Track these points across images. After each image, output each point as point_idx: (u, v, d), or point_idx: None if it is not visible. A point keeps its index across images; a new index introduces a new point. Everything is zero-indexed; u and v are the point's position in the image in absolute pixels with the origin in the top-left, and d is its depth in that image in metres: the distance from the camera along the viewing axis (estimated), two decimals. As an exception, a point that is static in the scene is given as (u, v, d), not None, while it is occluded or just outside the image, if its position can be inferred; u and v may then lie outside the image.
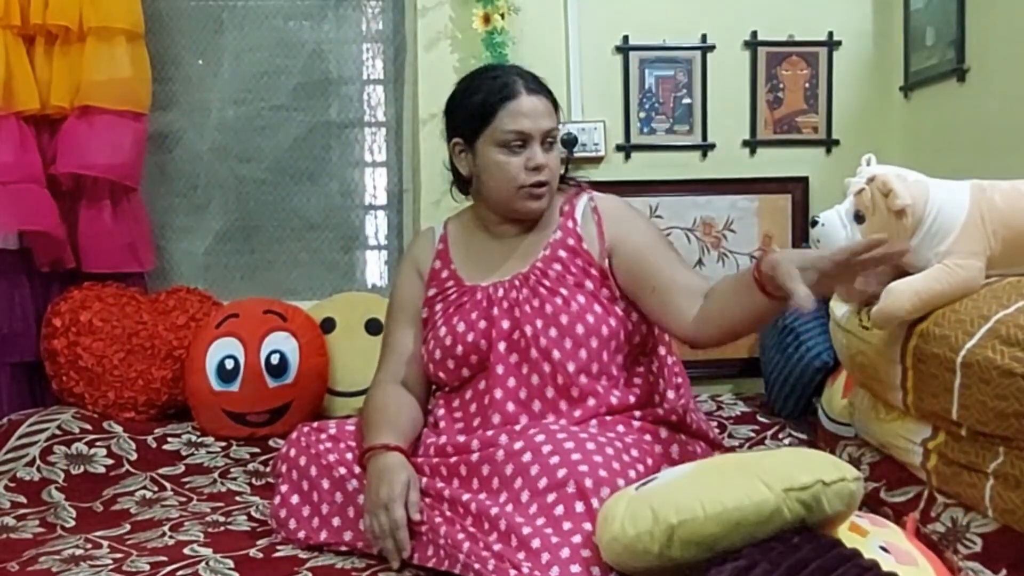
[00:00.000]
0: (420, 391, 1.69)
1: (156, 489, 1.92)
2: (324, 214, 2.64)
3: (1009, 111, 1.94)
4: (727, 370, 2.48)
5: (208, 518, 1.72)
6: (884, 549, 1.14)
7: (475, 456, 1.46)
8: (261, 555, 1.52)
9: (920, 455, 1.38)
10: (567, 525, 1.29)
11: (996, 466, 1.24)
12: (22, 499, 1.85)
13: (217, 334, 2.20)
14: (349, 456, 1.58)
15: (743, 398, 2.34)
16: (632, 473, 1.38)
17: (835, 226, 1.39)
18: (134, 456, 2.05)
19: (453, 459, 1.49)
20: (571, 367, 1.53)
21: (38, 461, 1.97)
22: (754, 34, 2.48)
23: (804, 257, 1.27)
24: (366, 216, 2.69)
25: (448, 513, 1.43)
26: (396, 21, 2.59)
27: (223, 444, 2.13)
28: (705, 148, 2.50)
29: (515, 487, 1.39)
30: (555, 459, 1.37)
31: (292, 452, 1.62)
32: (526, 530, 1.29)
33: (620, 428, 1.52)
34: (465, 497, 1.42)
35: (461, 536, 1.37)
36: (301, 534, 1.57)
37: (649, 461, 1.45)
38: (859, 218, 1.37)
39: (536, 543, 1.27)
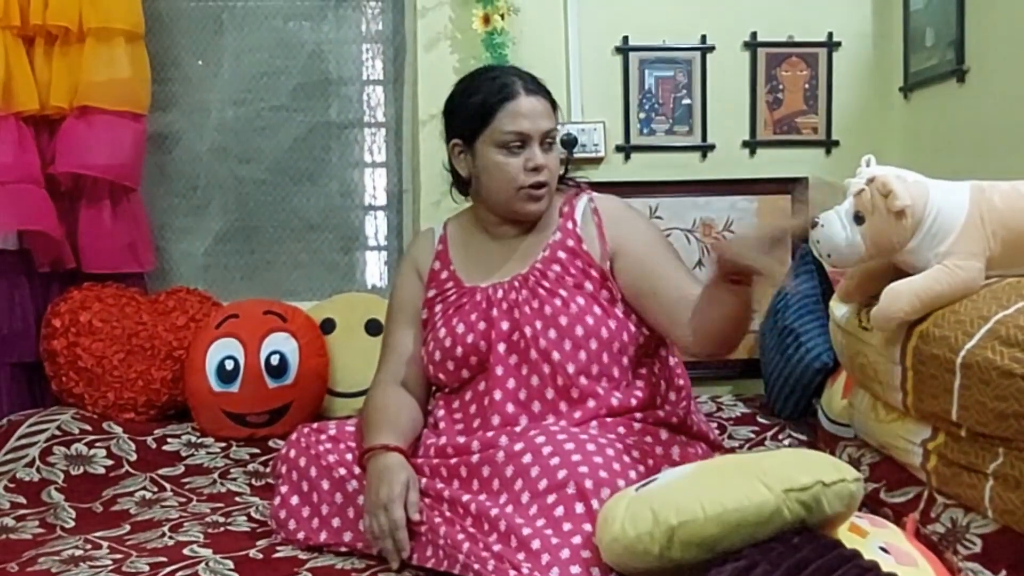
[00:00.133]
0: (420, 392, 1.69)
1: (156, 490, 1.92)
2: (324, 215, 2.64)
3: (1009, 112, 1.94)
4: (727, 371, 2.48)
5: (208, 519, 1.72)
6: (884, 550, 1.14)
7: (475, 457, 1.46)
8: (261, 556, 1.52)
9: (920, 456, 1.38)
10: (567, 526, 1.29)
11: (996, 467, 1.24)
12: (22, 500, 1.85)
13: (217, 335, 2.20)
14: (349, 457, 1.58)
15: (743, 399, 2.33)
16: (633, 474, 1.38)
17: (835, 227, 1.39)
18: (134, 457, 2.05)
19: (453, 460, 1.49)
20: (571, 368, 1.53)
21: (38, 462, 1.96)
22: (754, 35, 2.48)
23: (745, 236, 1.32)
24: (366, 217, 2.69)
25: (448, 514, 1.43)
26: (396, 22, 2.59)
27: (223, 445, 2.13)
28: (705, 149, 2.50)
29: (515, 488, 1.39)
30: (555, 460, 1.37)
31: (292, 453, 1.62)
32: (526, 531, 1.29)
33: (621, 429, 1.52)
34: (465, 498, 1.42)
35: (461, 537, 1.37)
36: (301, 535, 1.57)
37: (650, 462, 1.45)
38: (859, 219, 1.37)
39: (536, 544, 1.27)
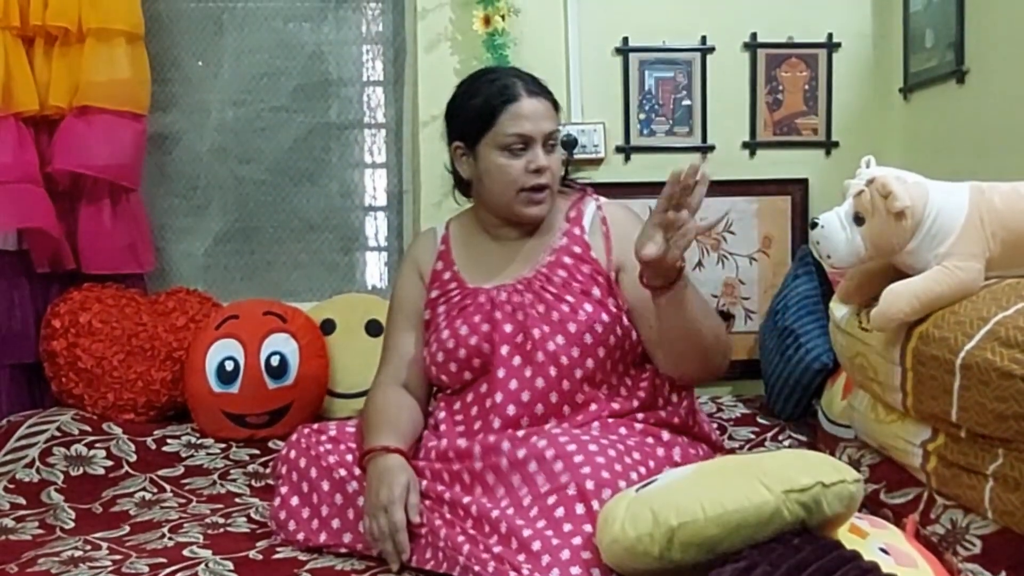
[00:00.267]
0: (421, 393, 1.69)
1: (155, 491, 1.92)
2: (324, 215, 2.64)
3: (1008, 113, 1.95)
4: (727, 372, 2.47)
5: (208, 520, 1.71)
6: (884, 551, 1.14)
7: (478, 464, 1.46)
8: (260, 557, 1.52)
9: (920, 457, 1.38)
10: (568, 527, 1.29)
11: (995, 468, 1.24)
12: (21, 500, 1.85)
13: (217, 335, 2.20)
14: (349, 458, 1.58)
15: (743, 400, 2.34)
16: (634, 475, 1.38)
17: (835, 228, 1.39)
18: (133, 457, 2.05)
19: (456, 466, 1.49)
20: (578, 374, 1.53)
21: (37, 462, 1.97)
22: (754, 36, 2.48)
23: (645, 227, 1.37)
24: (366, 217, 2.69)
25: (448, 516, 1.43)
26: (396, 23, 2.59)
27: (223, 446, 2.13)
28: (705, 150, 2.50)
29: (516, 490, 1.39)
30: (559, 465, 1.37)
31: (292, 454, 1.62)
32: (526, 532, 1.29)
33: (622, 431, 1.52)
34: (466, 500, 1.42)
35: (461, 539, 1.37)
36: (300, 536, 1.57)
37: (651, 463, 1.45)
38: (859, 220, 1.37)
39: (536, 545, 1.27)
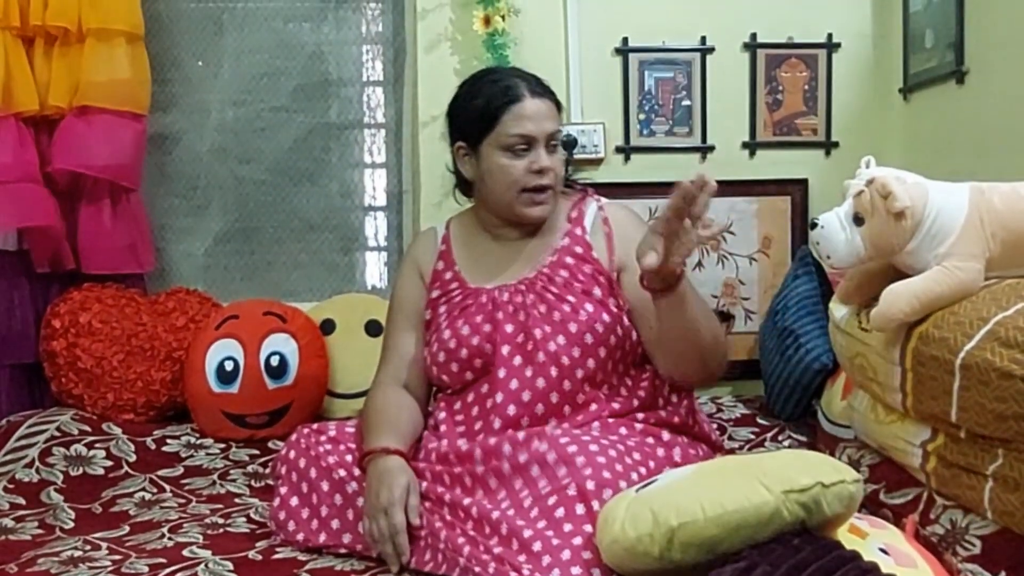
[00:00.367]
0: (420, 393, 1.69)
1: (155, 491, 1.92)
2: (324, 215, 2.64)
3: (1008, 113, 1.95)
4: (727, 372, 2.46)
5: (207, 520, 1.71)
6: (883, 551, 1.14)
7: (480, 468, 1.45)
8: (260, 557, 1.52)
9: (919, 457, 1.38)
10: (568, 527, 1.29)
11: (995, 468, 1.24)
12: (21, 500, 1.85)
13: (216, 335, 2.20)
14: (349, 458, 1.58)
15: (743, 400, 2.34)
16: (634, 476, 1.38)
17: (834, 228, 1.39)
18: (133, 458, 2.05)
19: (457, 469, 1.49)
20: (579, 374, 1.53)
21: (37, 462, 1.96)
22: (753, 36, 2.48)
23: (647, 235, 1.37)
24: (366, 217, 2.69)
25: (448, 517, 1.43)
26: (396, 23, 2.59)
27: (222, 446, 2.13)
28: (704, 150, 2.50)
29: (517, 492, 1.39)
30: (560, 466, 1.38)
31: (291, 454, 1.62)
32: (527, 533, 1.29)
33: (623, 431, 1.52)
34: (466, 501, 1.42)
35: (461, 540, 1.36)
36: (300, 536, 1.57)
37: (651, 464, 1.45)
38: (858, 220, 1.37)
39: (537, 546, 1.27)
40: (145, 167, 2.43)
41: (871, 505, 1.42)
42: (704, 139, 2.49)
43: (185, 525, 1.68)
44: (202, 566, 1.45)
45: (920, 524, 1.33)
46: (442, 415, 1.62)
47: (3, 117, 2.18)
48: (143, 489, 1.92)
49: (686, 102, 2.49)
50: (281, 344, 2.19)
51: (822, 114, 2.50)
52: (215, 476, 2.00)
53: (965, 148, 2.11)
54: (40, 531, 1.72)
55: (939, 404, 1.30)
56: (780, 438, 2.09)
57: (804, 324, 2.12)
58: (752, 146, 2.51)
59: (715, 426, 2.02)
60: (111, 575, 1.43)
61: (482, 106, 1.60)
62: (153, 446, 2.10)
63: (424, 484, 1.49)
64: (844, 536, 1.15)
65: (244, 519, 1.72)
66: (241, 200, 2.61)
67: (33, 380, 2.31)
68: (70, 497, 1.87)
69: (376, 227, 2.69)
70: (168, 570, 1.44)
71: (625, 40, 2.46)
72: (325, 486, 1.57)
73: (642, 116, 2.48)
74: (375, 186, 2.67)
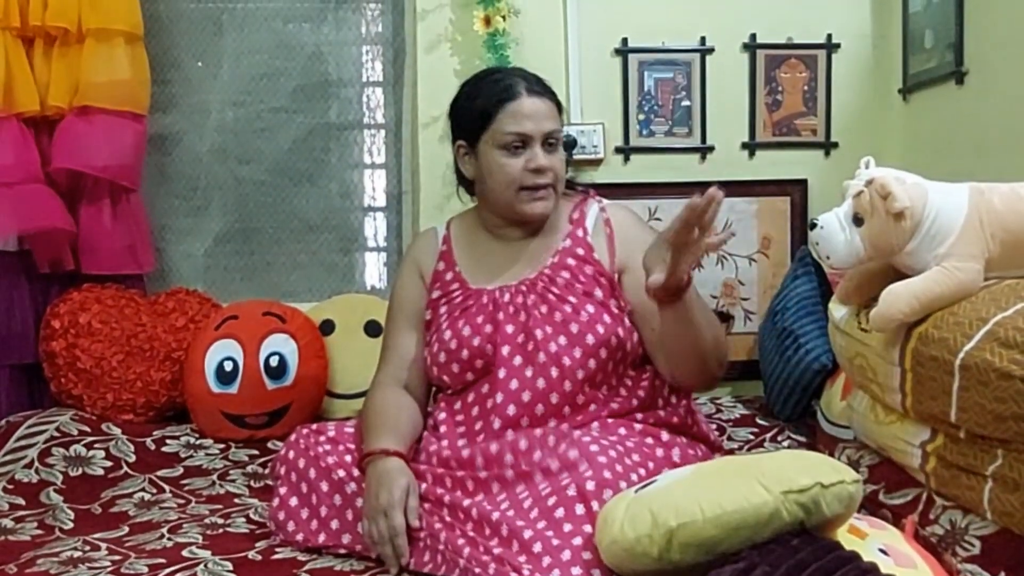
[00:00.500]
0: (420, 394, 1.68)
1: (155, 491, 1.92)
2: (323, 216, 2.64)
3: (1008, 113, 1.95)
4: (726, 372, 2.46)
5: (207, 520, 1.71)
6: (883, 551, 1.14)
7: (483, 474, 1.46)
8: (260, 557, 1.52)
9: (919, 457, 1.38)
10: (568, 527, 1.29)
11: (995, 469, 1.24)
12: (20, 501, 1.85)
13: (216, 336, 2.20)
14: (348, 459, 1.58)
15: (742, 400, 2.34)
16: (634, 477, 1.38)
17: (834, 229, 1.39)
18: (133, 458, 2.05)
19: (460, 473, 1.49)
20: (580, 375, 1.53)
21: (36, 463, 1.96)
22: (753, 36, 2.48)
23: (654, 245, 1.36)
24: (365, 218, 2.69)
25: (448, 518, 1.43)
26: (395, 24, 2.59)
27: (222, 446, 2.13)
28: (704, 150, 2.50)
29: (517, 492, 1.40)
30: (562, 471, 1.38)
31: (291, 454, 1.62)
32: (527, 533, 1.29)
33: (622, 431, 1.52)
34: (466, 503, 1.42)
35: (461, 541, 1.36)
36: (299, 536, 1.57)
37: (651, 465, 1.45)
38: (858, 221, 1.37)
39: (537, 547, 1.27)
40: (145, 167, 2.43)
41: (870, 505, 1.42)
42: (704, 139, 2.50)
43: (185, 525, 1.68)
44: (201, 566, 1.45)
45: (920, 524, 1.33)
46: (442, 415, 1.62)
47: (4, 118, 2.18)
48: (143, 489, 1.92)
49: (686, 102, 2.49)
50: (280, 344, 2.19)
51: (822, 114, 2.50)
52: (214, 476, 2.00)
53: (964, 148, 2.11)
54: (39, 531, 1.72)
55: (938, 404, 1.30)
56: (779, 439, 2.09)
57: (804, 325, 2.12)
58: (751, 146, 2.51)
59: (714, 426, 2.02)
60: (110, 575, 1.43)
61: (480, 105, 1.61)
62: (152, 446, 2.10)
63: (424, 485, 1.49)
64: (843, 537, 1.15)
65: (243, 519, 1.72)
66: (241, 201, 2.61)
67: (33, 380, 2.31)
68: (69, 497, 1.87)
69: (376, 228, 2.69)
70: (168, 570, 1.44)
71: (625, 41, 2.46)
72: (324, 486, 1.57)
73: (642, 116, 2.48)
74: (375, 187, 2.67)
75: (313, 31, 2.61)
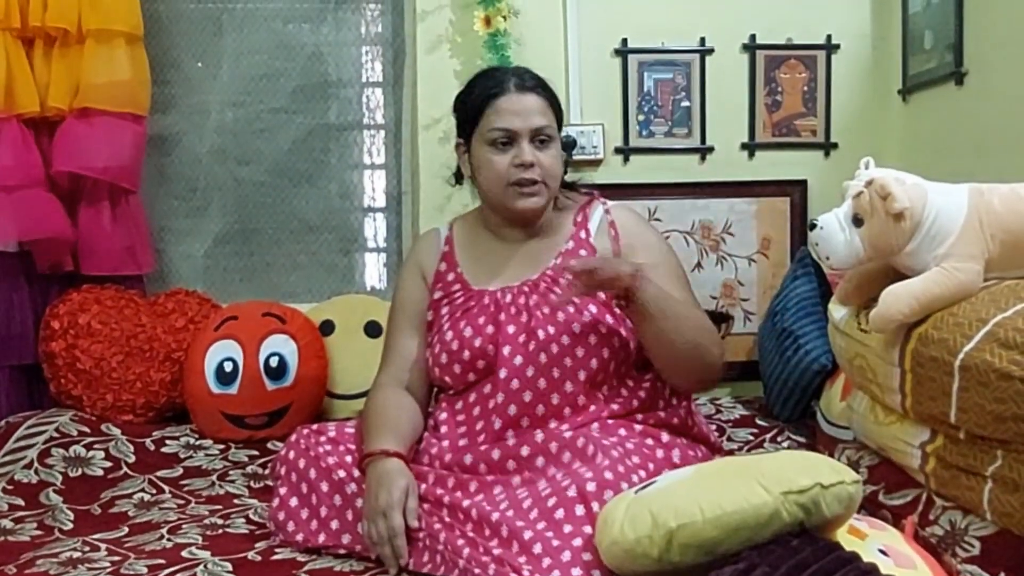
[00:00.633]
0: (421, 395, 1.68)
1: (154, 492, 1.92)
2: (323, 216, 2.64)
3: (1007, 114, 1.95)
4: (726, 373, 2.44)
5: (206, 521, 1.71)
6: (883, 552, 1.14)
7: (489, 477, 1.46)
8: (259, 558, 1.52)
9: (918, 458, 1.38)
10: (568, 528, 1.29)
11: (994, 469, 1.24)
12: (20, 501, 1.85)
13: (216, 336, 2.19)
14: (348, 459, 1.58)
15: (742, 401, 2.34)
16: (634, 478, 1.38)
17: (833, 229, 1.39)
18: (132, 459, 2.05)
19: (463, 476, 1.49)
20: (581, 375, 1.53)
21: (36, 463, 1.96)
22: (752, 37, 2.48)
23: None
24: (365, 219, 2.69)
25: (447, 519, 1.43)
26: (395, 24, 2.59)
27: (221, 447, 2.13)
28: (704, 151, 2.50)
29: (517, 494, 1.40)
30: (562, 472, 1.39)
31: (291, 454, 1.62)
32: (527, 534, 1.29)
33: (622, 432, 1.52)
34: (466, 503, 1.42)
35: (461, 542, 1.36)
36: (299, 537, 1.57)
37: (651, 466, 1.45)
38: (857, 221, 1.37)
39: (537, 547, 1.27)
40: (144, 168, 2.43)
41: (870, 506, 1.42)
42: (703, 140, 2.50)
43: (184, 526, 1.68)
44: (201, 567, 1.45)
45: (919, 525, 1.33)
46: (443, 415, 1.62)
47: (4, 119, 2.18)
48: (142, 490, 1.92)
49: (685, 103, 2.49)
50: (280, 345, 2.19)
51: (821, 115, 2.50)
52: (214, 477, 1.99)
53: (964, 149, 2.11)
54: (39, 532, 1.72)
55: (938, 405, 1.30)
56: (779, 439, 2.09)
57: (803, 325, 2.12)
58: (751, 147, 2.51)
59: (714, 427, 2.02)
60: (110, 575, 1.43)
61: (471, 102, 1.63)
62: (152, 447, 2.10)
63: (423, 486, 1.49)
64: (843, 537, 1.15)
65: (243, 520, 1.72)
66: (240, 201, 2.61)
67: (32, 381, 2.31)
68: (69, 498, 1.87)
69: (375, 228, 2.69)
70: (167, 571, 1.43)
71: (624, 41, 2.46)
72: (324, 487, 1.57)
73: (641, 117, 2.48)
74: (374, 187, 2.67)
75: (313, 31, 2.61)
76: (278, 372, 2.17)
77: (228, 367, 2.16)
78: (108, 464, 2.02)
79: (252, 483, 1.97)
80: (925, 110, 2.31)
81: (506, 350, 1.56)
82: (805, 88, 2.50)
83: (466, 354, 1.58)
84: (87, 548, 1.57)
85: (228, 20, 2.57)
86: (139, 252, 2.38)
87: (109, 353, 2.20)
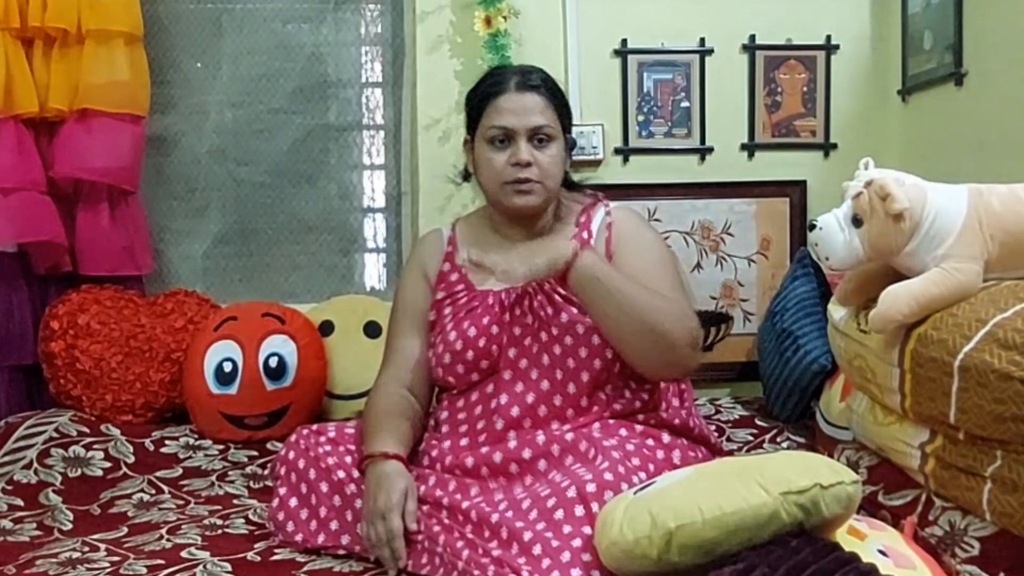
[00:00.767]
0: (423, 396, 1.68)
1: (154, 492, 1.92)
2: (322, 217, 2.64)
3: (1007, 115, 1.95)
4: (725, 374, 2.48)
5: (206, 521, 1.71)
6: (882, 552, 1.14)
7: (492, 484, 1.46)
8: (259, 558, 1.52)
9: (918, 459, 1.38)
10: (567, 529, 1.29)
11: (994, 470, 1.24)
12: (19, 502, 1.85)
13: (215, 337, 2.19)
14: (348, 460, 1.58)
15: (741, 402, 2.34)
16: (635, 479, 1.38)
17: (833, 230, 1.39)
18: (132, 459, 2.05)
19: (466, 480, 1.49)
20: (584, 376, 1.53)
21: (35, 464, 1.96)
22: (752, 38, 2.48)
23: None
24: (364, 219, 2.69)
25: (447, 521, 1.42)
26: (395, 24, 2.59)
27: (221, 447, 2.13)
28: (703, 151, 2.50)
29: (516, 494, 1.40)
30: (562, 472, 1.39)
31: (291, 455, 1.62)
32: (527, 535, 1.29)
33: (623, 432, 1.52)
34: (465, 504, 1.42)
35: (460, 544, 1.36)
36: (299, 537, 1.57)
37: (651, 467, 1.45)
38: (857, 222, 1.37)
39: (537, 548, 1.27)
40: (144, 169, 2.43)
41: (870, 507, 1.42)
42: (703, 141, 2.50)
43: (184, 526, 1.68)
44: (200, 567, 1.45)
45: (919, 526, 1.33)
46: (444, 415, 1.62)
47: (3, 120, 2.18)
48: (142, 490, 1.92)
49: (685, 103, 2.49)
50: (280, 345, 2.19)
51: (821, 116, 2.50)
52: (214, 477, 2.00)
53: (964, 150, 2.11)
54: (38, 532, 1.72)
55: (938, 406, 1.30)
56: (779, 440, 2.09)
57: (803, 326, 2.12)
58: (751, 147, 2.51)
59: (713, 428, 2.02)
60: (109, 576, 1.43)
61: (474, 100, 1.64)
62: (152, 447, 2.10)
63: (423, 488, 1.49)
64: (843, 538, 1.15)
65: (243, 520, 1.72)
66: (240, 202, 2.61)
67: (32, 381, 2.31)
68: (68, 498, 1.87)
69: (375, 229, 2.69)
70: (167, 571, 1.43)
71: (624, 42, 2.46)
72: (324, 487, 1.57)
73: (641, 117, 2.48)
74: (374, 188, 2.67)
75: (312, 32, 2.61)
76: (277, 372, 2.17)
77: (227, 367, 2.16)
78: (107, 464, 2.02)
79: (251, 483, 1.97)
80: (924, 111, 2.31)
81: (510, 352, 1.56)
82: (805, 89, 2.50)
83: (470, 354, 1.58)
84: (86, 548, 1.57)
85: (228, 20, 2.57)
86: (138, 252, 2.38)
87: (108, 353, 2.20)
